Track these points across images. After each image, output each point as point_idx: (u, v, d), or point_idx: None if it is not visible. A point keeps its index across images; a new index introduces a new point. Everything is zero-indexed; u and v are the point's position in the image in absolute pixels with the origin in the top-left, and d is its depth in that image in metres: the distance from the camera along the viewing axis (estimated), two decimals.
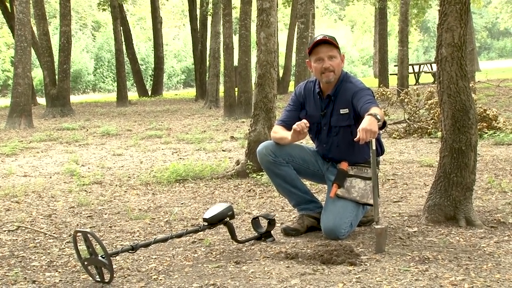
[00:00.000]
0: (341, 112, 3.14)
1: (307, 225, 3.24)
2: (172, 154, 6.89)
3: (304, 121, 3.06)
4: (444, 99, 3.25)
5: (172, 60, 33.70)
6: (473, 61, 13.93)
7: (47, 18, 14.69)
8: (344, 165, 3.16)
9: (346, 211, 3.07)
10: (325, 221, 3.09)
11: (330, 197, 3.12)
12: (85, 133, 9.47)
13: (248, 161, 5.01)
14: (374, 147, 2.89)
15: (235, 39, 12.81)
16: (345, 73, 3.24)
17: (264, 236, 3.14)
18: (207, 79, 15.34)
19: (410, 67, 17.37)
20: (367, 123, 2.78)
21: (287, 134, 3.17)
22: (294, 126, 3.06)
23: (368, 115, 2.83)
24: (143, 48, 32.29)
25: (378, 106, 2.99)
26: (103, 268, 2.57)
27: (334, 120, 3.17)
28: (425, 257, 2.73)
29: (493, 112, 7.23)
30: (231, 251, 2.98)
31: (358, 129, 2.81)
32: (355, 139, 2.83)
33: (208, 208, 3.46)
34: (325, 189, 3.91)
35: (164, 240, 2.87)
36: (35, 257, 3.01)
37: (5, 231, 3.56)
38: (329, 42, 3.13)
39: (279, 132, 3.25)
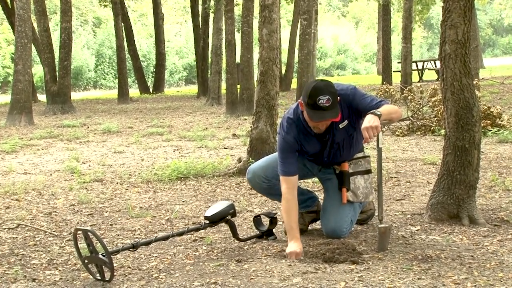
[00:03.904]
0: (340, 127, 3.00)
1: (308, 221, 3.25)
2: (174, 151, 6.87)
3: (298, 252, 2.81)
4: (448, 96, 3.22)
5: (173, 57, 33.65)
6: (477, 58, 13.85)
7: (48, 14, 14.66)
8: (345, 166, 3.10)
9: (344, 210, 3.06)
10: (326, 223, 3.08)
11: (342, 203, 3.06)
12: (86, 130, 9.45)
13: (250, 158, 4.99)
14: (381, 145, 2.86)
15: (237, 35, 12.78)
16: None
17: (266, 234, 3.13)
18: (209, 76, 15.32)
19: (414, 64, 17.31)
20: (367, 121, 2.75)
21: (291, 228, 2.88)
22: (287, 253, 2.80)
23: (368, 114, 2.79)
24: (145, 44, 32.25)
25: (374, 100, 2.91)
26: (103, 266, 2.55)
27: (336, 138, 3.03)
28: (428, 255, 2.71)
29: (497, 109, 7.19)
30: (232, 250, 2.96)
31: (361, 129, 2.77)
32: (363, 141, 2.81)
33: (209, 206, 3.44)
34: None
35: (165, 238, 2.86)
36: (35, 255, 2.99)
37: (5, 229, 3.55)
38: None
39: (290, 211, 2.90)
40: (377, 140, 2.84)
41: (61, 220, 3.74)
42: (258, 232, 3.14)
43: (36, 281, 2.61)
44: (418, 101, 7.98)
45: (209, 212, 2.97)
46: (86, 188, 4.76)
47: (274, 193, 3.18)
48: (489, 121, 7.01)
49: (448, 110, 3.23)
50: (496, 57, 47.22)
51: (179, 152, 6.76)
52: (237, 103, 11.25)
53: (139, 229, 3.46)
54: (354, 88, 3.00)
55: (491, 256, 2.70)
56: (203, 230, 3.11)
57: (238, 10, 16.23)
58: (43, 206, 4.18)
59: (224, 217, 2.98)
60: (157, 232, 3.37)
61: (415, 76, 16.70)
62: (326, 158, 3.11)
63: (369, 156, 3.19)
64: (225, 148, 6.97)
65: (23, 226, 3.59)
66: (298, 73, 12.27)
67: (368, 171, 3.13)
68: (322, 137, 3.00)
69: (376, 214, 3.18)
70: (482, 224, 3.18)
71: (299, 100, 2.94)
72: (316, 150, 3.05)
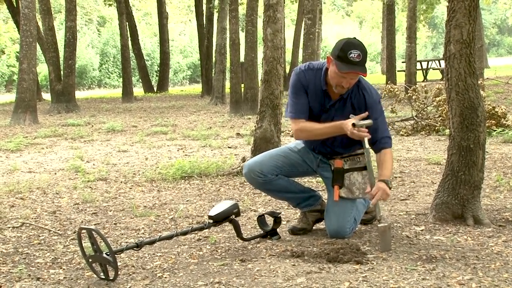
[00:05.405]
0: (349, 117, 2.99)
1: (313, 221, 3.23)
2: (178, 150, 6.88)
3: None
4: (452, 96, 3.21)
5: (178, 56, 33.68)
6: (482, 57, 13.81)
7: (53, 13, 14.68)
8: (338, 163, 3.08)
9: (346, 209, 3.04)
10: (329, 224, 3.07)
11: (334, 200, 3.05)
12: (90, 129, 9.47)
13: None
14: (367, 146, 2.92)
15: (242, 35, 12.76)
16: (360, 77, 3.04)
17: (270, 234, 3.12)
18: (213, 75, 15.31)
19: (418, 63, 17.26)
20: (379, 187, 2.89)
21: (324, 126, 3.04)
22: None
23: (381, 183, 2.91)
24: (149, 43, 32.28)
25: (389, 136, 3.04)
26: (107, 265, 2.55)
27: (336, 114, 3.03)
28: (432, 256, 2.70)
29: (502, 109, 7.17)
30: (236, 249, 2.96)
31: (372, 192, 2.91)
32: (371, 201, 2.94)
33: (213, 206, 3.44)
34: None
35: (169, 237, 2.85)
36: (39, 254, 3.00)
37: (9, 227, 3.56)
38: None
39: (310, 125, 3.04)
40: (363, 142, 2.92)
41: (66, 219, 3.75)
42: (262, 232, 3.14)
43: (40, 280, 2.62)
44: (423, 101, 7.96)
45: (213, 212, 2.96)
46: (90, 187, 4.76)
47: (270, 188, 3.18)
48: (494, 121, 6.99)
49: (453, 110, 3.22)
50: (500, 56, 47.07)
51: (183, 151, 6.77)
52: (241, 102, 11.25)
53: (143, 228, 3.47)
54: (379, 97, 3.08)
55: (496, 256, 2.69)
56: (207, 230, 3.11)
57: (242, 10, 16.22)
58: (47, 205, 4.18)
59: (228, 217, 2.98)
60: (161, 231, 3.37)
61: (419, 76, 16.65)
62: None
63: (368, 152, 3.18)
64: (229, 147, 6.97)
65: (28, 225, 3.60)
66: None
67: (366, 167, 3.08)
68: (327, 101, 3.04)
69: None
70: (487, 225, 3.17)
71: (327, 55, 3.02)
72: (315, 107, 3.06)
